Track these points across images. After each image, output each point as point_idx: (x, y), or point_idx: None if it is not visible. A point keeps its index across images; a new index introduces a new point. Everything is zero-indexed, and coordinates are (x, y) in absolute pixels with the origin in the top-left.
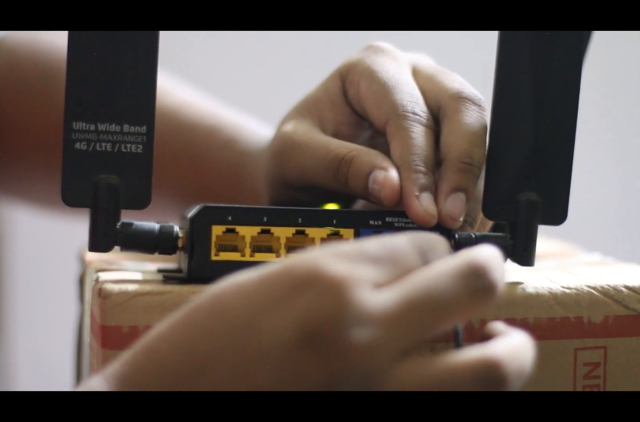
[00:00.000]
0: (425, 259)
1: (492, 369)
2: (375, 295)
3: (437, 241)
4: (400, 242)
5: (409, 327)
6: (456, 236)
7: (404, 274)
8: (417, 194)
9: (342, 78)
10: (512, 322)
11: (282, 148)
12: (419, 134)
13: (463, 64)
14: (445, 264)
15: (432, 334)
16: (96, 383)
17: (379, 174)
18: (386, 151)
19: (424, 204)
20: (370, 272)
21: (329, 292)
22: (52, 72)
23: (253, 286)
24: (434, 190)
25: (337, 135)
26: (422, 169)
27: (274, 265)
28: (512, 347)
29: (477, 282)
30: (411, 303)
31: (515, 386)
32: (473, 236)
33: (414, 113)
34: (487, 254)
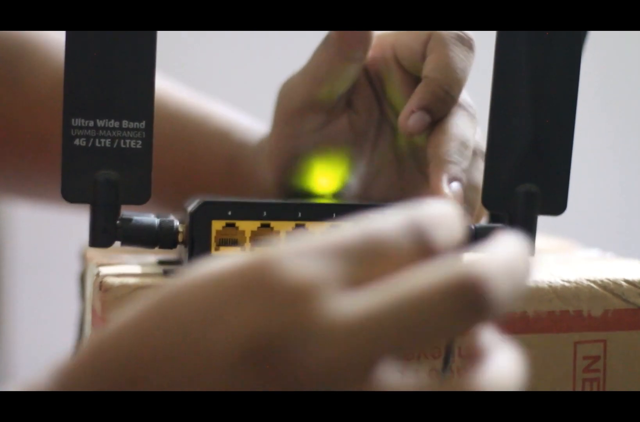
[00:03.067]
0: (425, 241)
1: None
2: (343, 300)
3: (443, 216)
4: (389, 225)
5: (379, 346)
6: None
7: (391, 266)
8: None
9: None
10: (512, 315)
11: None
12: (457, 52)
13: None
14: (436, 274)
15: (408, 353)
16: (42, 378)
17: None
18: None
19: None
20: (341, 270)
21: (284, 300)
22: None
23: (207, 285)
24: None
25: None
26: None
27: (235, 259)
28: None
29: (468, 303)
30: (384, 318)
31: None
32: (472, 227)
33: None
34: (492, 268)
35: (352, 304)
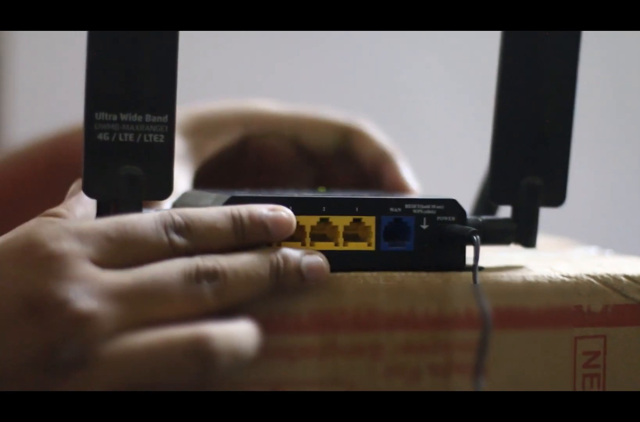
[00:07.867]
0: (173, 240)
1: (201, 344)
2: (100, 272)
3: (200, 222)
4: (143, 221)
5: (131, 306)
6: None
7: (143, 254)
8: None
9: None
10: (512, 310)
11: None
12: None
13: (465, 60)
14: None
15: (153, 318)
16: None
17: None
18: None
19: None
20: (90, 250)
21: (43, 264)
22: None
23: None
24: None
25: None
26: None
27: (10, 235)
28: (226, 328)
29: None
30: (137, 285)
31: (225, 363)
32: (480, 220)
33: None
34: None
35: (110, 273)
